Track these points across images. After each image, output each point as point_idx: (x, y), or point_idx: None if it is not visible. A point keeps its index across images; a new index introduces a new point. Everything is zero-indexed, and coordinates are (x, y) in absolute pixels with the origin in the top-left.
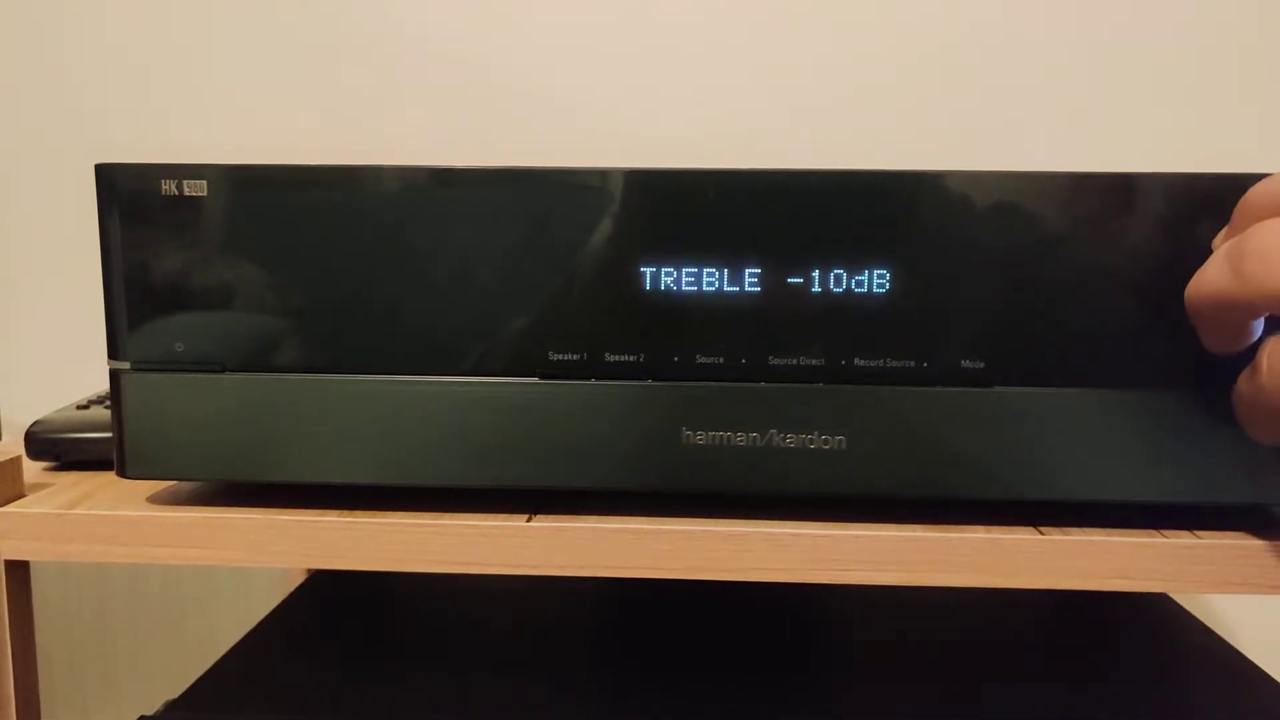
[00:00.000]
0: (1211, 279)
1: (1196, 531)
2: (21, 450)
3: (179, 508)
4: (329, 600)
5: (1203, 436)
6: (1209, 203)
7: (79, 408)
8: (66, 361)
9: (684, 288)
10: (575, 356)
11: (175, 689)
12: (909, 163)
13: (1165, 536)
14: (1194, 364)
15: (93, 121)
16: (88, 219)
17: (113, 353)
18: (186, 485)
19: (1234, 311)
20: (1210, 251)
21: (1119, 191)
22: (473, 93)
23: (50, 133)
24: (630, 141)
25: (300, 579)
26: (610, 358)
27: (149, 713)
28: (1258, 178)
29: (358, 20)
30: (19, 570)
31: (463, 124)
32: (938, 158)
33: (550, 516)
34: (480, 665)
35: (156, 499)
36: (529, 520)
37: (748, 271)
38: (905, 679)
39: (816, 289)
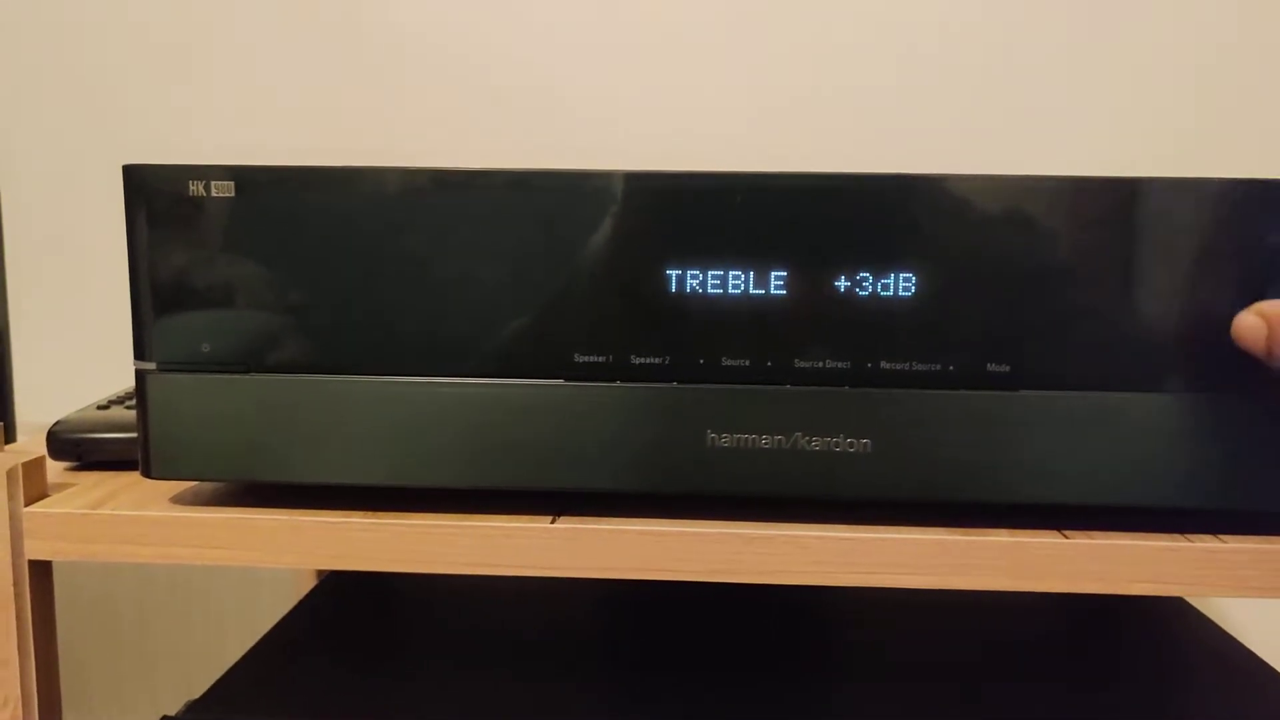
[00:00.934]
0: None
1: (1221, 536)
2: (44, 450)
3: (203, 508)
4: (345, 602)
5: (1229, 441)
6: (1238, 207)
7: (99, 408)
8: (83, 362)
9: (710, 290)
10: (600, 359)
11: (181, 689)
12: (909, 163)
13: (1190, 541)
14: (1219, 369)
15: (115, 123)
16: (102, 219)
17: (139, 353)
18: (209, 485)
19: None
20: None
21: (1147, 196)
22: (480, 90)
23: (69, 134)
24: (651, 143)
25: (310, 581)
26: (635, 360)
27: (166, 712)
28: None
29: (381, 27)
30: (42, 570)
31: (476, 122)
32: (941, 156)
33: (574, 518)
34: (499, 666)
35: (180, 499)
36: (553, 522)
37: (774, 274)
38: (922, 680)
39: (842, 292)
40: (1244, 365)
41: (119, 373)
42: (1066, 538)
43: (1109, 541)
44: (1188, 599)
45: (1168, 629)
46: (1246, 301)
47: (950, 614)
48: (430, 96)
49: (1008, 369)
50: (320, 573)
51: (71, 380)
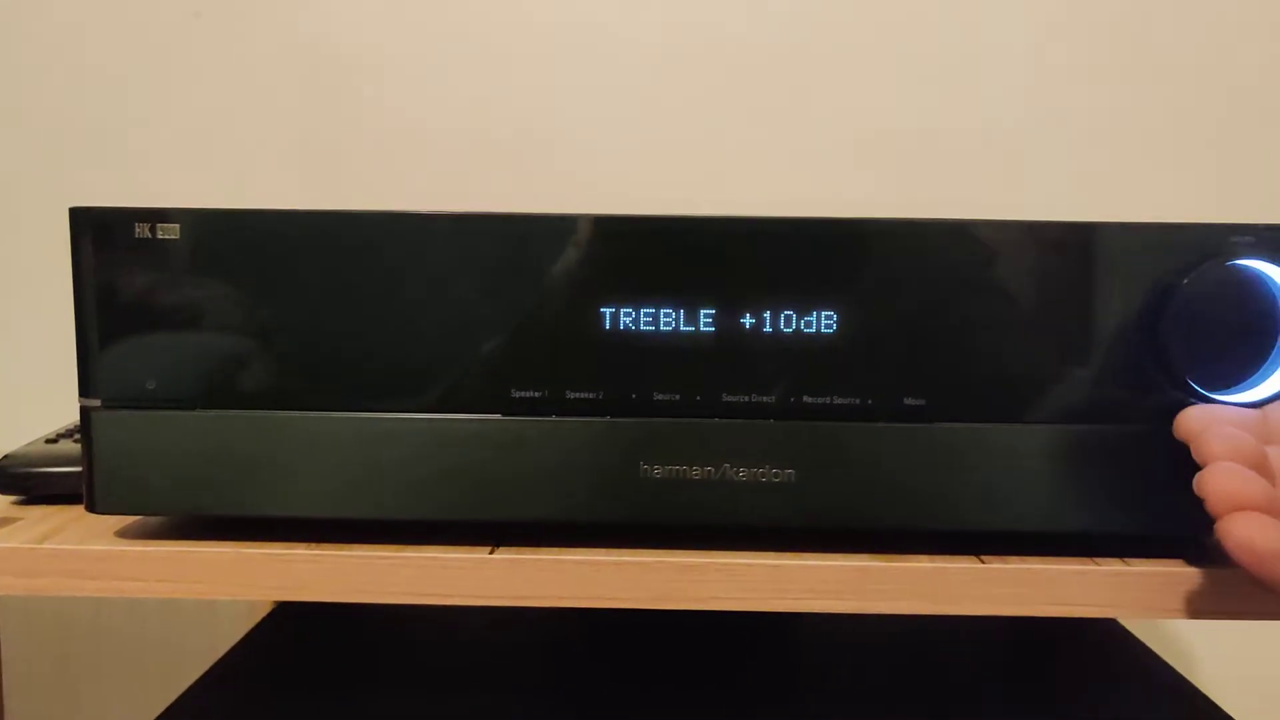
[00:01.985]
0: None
1: (1128, 560)
2: None
3: (148, 541)
4: (296, 630)
5: (1133, 470)
6: (1141, 249)
7: (48, 441)
8: (32, 395)
9: (642, 328)
10: (537, 394)
11: (140, 715)
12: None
13: (1099, 565)
14: (1124, 402)
15: (66, 159)
16: (54, 255)
17: (84, 390)
18: (155, 519)
19: None
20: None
21: (1055, 238)
22: (439, 136)
23: (21, 171)
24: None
25: (265, 610)
26: (571, 395)
27: None
28: (1192, 227)
29: (332, 80)
30: None
31: (426, 167)
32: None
33: (512, 549)
34: (449, 693)
35: (125, 533)
36: (492, 552)
37: (702, 313)
38: (858, 705)
39: (768, 329)
40: (1145, 399)
41: (68, 404)
42: (984, 563)
43: (1023, 566)
44: (1120, 621)
45: (1094, 651)
46: (1145, 337)
47: (889, 639)
48: (395, 144)
49: (923, 402)
50: (274, 602)
51: (18, 410)
